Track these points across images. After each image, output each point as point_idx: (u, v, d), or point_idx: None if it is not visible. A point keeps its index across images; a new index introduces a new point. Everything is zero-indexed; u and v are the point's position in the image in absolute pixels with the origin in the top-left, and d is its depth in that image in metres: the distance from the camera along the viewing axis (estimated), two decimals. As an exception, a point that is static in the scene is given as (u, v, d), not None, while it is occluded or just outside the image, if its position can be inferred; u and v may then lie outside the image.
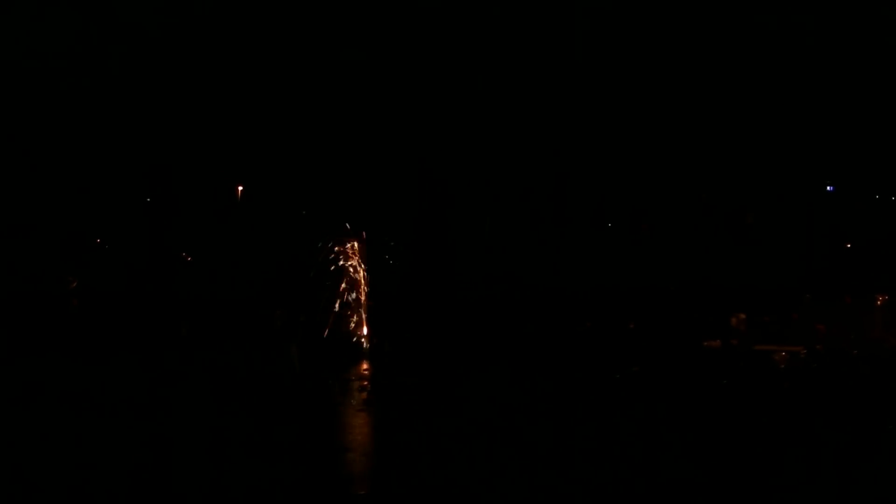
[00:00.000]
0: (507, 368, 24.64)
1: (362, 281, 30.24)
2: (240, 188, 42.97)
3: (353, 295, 30.08)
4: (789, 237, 39.86)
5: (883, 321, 27.57)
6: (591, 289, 35.66)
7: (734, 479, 12.77)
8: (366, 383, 23.07)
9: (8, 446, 14.52)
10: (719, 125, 41.82)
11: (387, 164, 41.85)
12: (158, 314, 32.76)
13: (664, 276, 36.63)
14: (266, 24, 43.30)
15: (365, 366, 26.66)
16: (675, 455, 14.28)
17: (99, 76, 43.16)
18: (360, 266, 30.26)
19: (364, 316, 30.17)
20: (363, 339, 30.00)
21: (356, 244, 30.29)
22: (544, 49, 42.58)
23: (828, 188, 42.93)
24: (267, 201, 43.26)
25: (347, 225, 30.79)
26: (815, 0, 41.47)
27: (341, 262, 30.09)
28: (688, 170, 42.09)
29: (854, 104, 40.87)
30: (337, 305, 29.87)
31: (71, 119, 42.73)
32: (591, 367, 24.59)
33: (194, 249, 42.55)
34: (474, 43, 42.29)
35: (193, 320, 31.82)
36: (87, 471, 12.80)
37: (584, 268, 38.61)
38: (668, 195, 42.61)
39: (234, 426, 16.49)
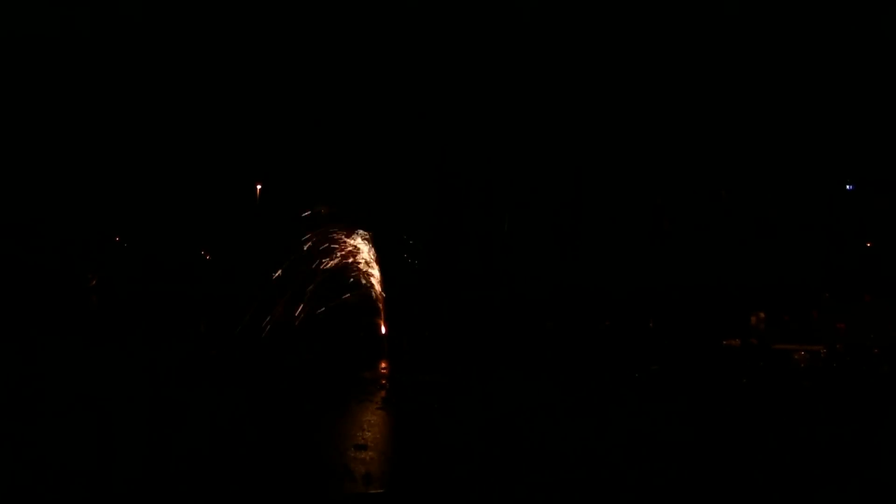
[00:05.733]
0: (526, 367, 24.61)
1: (378, 277, 30.22)
2: (259, 186, 43.11)
3: (370, 291, 30.08)
4: (809, 236, 39.70)
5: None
6: (611, 287, 35.60)
7: (753, 478, 12.72)
8: (384, 381, 23.07)
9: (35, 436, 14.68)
10: (740, 123, 41.71)
11: (405, 161, 41.88)
12: (177, 311, 32.93)
13: (684, 275, 36.53)
14: (288, 22, 43.49)
15: (383, 364, 26.64)
16: (695, 454, 14.23)
17: (118, 74, 43.41)
18: (373, 259, 30.16)
19: (382, 314, 30.15)
20: (382, 337, 29.98)
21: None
22: (563, 45, 42.53)
23: (847, 187, 42.73)
24: (285, 200, 43.35)
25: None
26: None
27: (351, 259, 30.02)
28: (707, 168, 41.99)
29: (875, 102, 40.69)
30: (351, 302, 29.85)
31: (90, 117, 42.99)
32: (610, 366, 24.54)
33: (213, 247, 42.70)
34: (492, 41, 42.30)
35: (212, 317, 31.95)
36: (98, 469, 12.89)
37: (603, 266, 38.55)
38: (688, 193, 42.52)
39: (250, 423, 16.53)
